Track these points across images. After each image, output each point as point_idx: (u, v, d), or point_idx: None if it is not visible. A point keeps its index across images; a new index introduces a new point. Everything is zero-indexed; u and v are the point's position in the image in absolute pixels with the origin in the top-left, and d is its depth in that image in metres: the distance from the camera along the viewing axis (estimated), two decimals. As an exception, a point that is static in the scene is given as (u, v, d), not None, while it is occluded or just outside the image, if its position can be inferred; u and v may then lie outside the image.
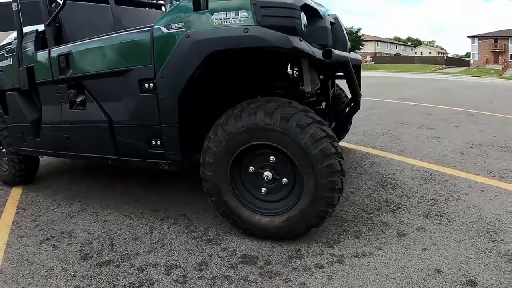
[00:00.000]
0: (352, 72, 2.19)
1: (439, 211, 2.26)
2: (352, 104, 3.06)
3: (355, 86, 2.32)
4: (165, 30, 1.93)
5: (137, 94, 2.11)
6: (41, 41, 2.67)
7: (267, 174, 1.94)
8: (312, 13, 1.95)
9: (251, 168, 1.98)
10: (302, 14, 1.82)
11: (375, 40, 58.71)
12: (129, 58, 2.12)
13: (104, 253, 2.11)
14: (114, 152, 2.36)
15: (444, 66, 42.82)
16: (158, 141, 2.13)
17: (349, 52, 2.76)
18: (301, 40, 1.75)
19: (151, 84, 2.05)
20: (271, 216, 1.96)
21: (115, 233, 2.33)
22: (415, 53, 64.00)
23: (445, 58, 51.86)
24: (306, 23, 1.87)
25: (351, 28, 48.12)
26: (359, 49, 48.00)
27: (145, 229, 2.34)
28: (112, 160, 2.41)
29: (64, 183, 3.36)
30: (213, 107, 2.19)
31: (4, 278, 1.94)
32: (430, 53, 65.03)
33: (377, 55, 55.57)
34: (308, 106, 2.39)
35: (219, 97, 2.28)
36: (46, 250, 2.21)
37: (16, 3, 2.78)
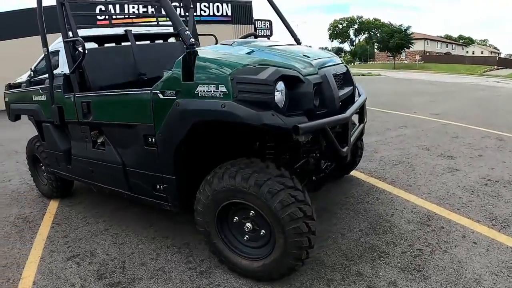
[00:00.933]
0: (330, 137, 2.13)
1: (419, 265, 2.37)
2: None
3: (336, 148, 2.22)
4: (161, 96, 2.21)
5: (143, 146, 2.44)
6: (68, 85, 2.98)
7: (248, 225, 2.20)
8: (294, 80, 2.05)
9: (235, 218, 2.24)
10: (280, 84, 1.96)
11: (425, 39, 56.01)
12: (135, 115, 2.45)
13: (115, 274, 2.48)
14: (128, 189, 2.72)
15: (495, 67, 39.95)
16: (161, 186, 2.45)
17: (357, 94, 2.89)
18: (273, 115, 1.88)
19: (153, 140, 2.36)
20: (250, 260, 2.23)
21: (128, 256, 2.70)
22: (466, 52, 60.24)
23: (497, 58, 48.28)
24: (283, 91, 1.99)
25: (400, 25, 46.31)
26: (408, 47, 46.12)
27: (152, 255, 2.69)
28: (127, 195, 2.78)
29: (93, 201, 3.80)
30: (208, 162, 2.42)
31: (35, 291, 2.36)
32: (482, 52, 60.90)
33: (427, 54, 53.00)
34: (306, 152, 2.58)
35: (212, 153, 2.51)
36: (71, 267, 2.62)
37: (45, 48, 3.12)
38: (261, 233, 2.17)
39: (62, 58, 8.69)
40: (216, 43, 3.64)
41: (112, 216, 3.41)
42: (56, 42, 8.41)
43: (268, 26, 20.06)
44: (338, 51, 75.84)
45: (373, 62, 62.73)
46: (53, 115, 3.15)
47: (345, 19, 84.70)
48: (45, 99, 3.27)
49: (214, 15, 16.86)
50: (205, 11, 16.74)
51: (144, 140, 2.42)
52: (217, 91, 1.97)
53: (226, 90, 1.94)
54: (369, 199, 3.45)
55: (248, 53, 2.28)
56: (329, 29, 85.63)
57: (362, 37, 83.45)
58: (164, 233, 2.99)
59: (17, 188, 4.45)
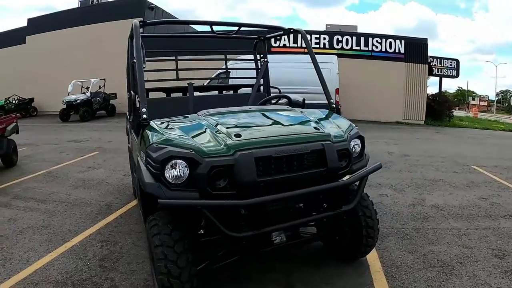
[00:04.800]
0: (208, 217, 2.18)
1: None
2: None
3: (219, 229, 2.25)
4: None
5: None
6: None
7: None
8: (192, 161, 2.21)
9: None
10: (177, 162, 2.18)
11: None
12: None
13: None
14: None
15: None
16: None
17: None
18: (158, 186, 2.20)
19: None
20: None
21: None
22: None
23: None
24: (181, 168, 2.19)
25: None
26: None
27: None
28: None
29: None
30: None
31: None
32: None
33: None
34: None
35: None
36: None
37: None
38: None
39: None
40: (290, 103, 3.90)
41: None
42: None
43: (455, 66, 17.93)
44: None
45: None
46: None
47: None
48: None
49: (386, 51, 16.33)
50: (376, 47, 16.43)
51: None
52: (143, 157, 2.42)
53: (144, 159, 2.37)
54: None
55: (187, 128, 2.57)
56: None
57: None
58: None
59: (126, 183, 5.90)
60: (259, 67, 4.65)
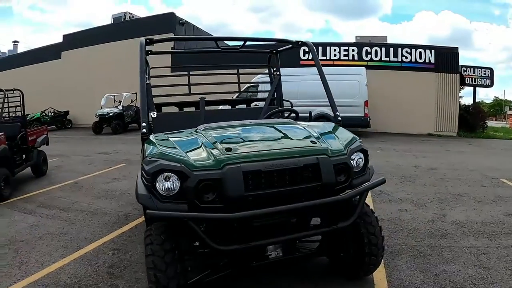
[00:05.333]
0: (194, 229, 2.22)
1: None
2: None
3: (206, 243, 2.28)
4: None
5: None
6: None
7: None
8: (182, 174, 2.26)
9: None
10: (169, 175, 2.24)
11: None
12: None
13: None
14: None
15: None
16: None
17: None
18: (150, 198, 2.28)
19: None
20: None
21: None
22: None
23: None
24: (173, 181, 2.25)
25: None
26: None
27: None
28: None
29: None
30: None
31: None
32: None
33: None
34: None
35: None
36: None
37: None
38: None
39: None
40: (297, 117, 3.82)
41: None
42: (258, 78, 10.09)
43: (489, 75, 17.20)
44: None
45: None
46: None
47: None
48: None
49: (416, 61, 15.92)
50: (406, 57, 16.06)
51: None
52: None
53: (142, 171, 2.46)
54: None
55: (183, 142, 2.64)
56: None
57: None
58: None
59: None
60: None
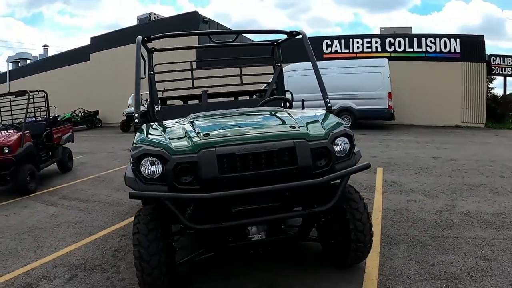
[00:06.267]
0: (170, 208, 2.37)
1: None
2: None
3: (180, 221, 2.45)
4: None
5: None
6: None
7: None
8: (162, 158, 2.40)
9: None
10: (152, 159, 2.41)
11: None
12: None
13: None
14: None
15: None
16: None
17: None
18: (135, 180, 2.45)
19: None
20: None
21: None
22: None
23: None
24: (157, 164, 2.40)
25: None
26: None
27: None
28: None
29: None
30: None
31: None
32: None
33: None
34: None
35: None
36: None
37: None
38: None
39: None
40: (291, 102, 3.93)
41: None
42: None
43: (518, 63, 16.31)
44: None
45: None
46: None
47: None
48: None
49: (441, 51, 15.32)
50: (431, 47, 15.49)
51: None
52: None
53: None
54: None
55: (170, 130, 2.79)
56: None
57: None
58: None
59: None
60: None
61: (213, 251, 2.74)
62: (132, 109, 17.05)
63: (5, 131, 6.77)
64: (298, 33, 3.77)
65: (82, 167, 8.69)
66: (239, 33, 3.74)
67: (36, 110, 8.35)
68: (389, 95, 13.06)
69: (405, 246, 3.57)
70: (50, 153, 7.68)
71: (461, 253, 3.39)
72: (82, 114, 21.14)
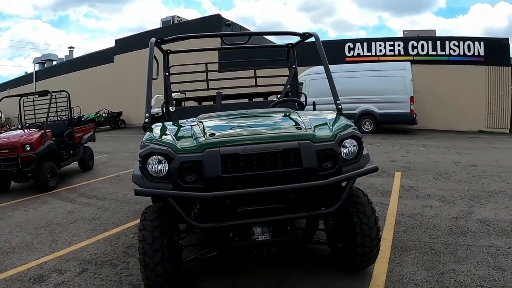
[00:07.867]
0: (173, 205, 2.42)
1: None
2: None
3: (184, 219, 2.49)
4: None
5: None
6: None
7: None
8: (168, 157, 2.45)
9: None
10: (158, 158, 2.45)
11: None
12: None
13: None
14: None
15: None
16: None
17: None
18: (141, 178, 2.49)
19: None
20: None
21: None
22: None
23: None
24: (163, 163, 2.45)
25: None
26: None
27: None
28: None
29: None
30: None
31: None
32: None
33: None
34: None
35: None
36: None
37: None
38: None
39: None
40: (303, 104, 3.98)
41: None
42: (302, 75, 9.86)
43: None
44: None
45: None
46: None
47: None
48: None
49: (464, 54, 14.92)
50: (454, 51, 15.11)
51: None
52: None
53: None
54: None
55: (178, 130, 2.84)
56: None
57: None
58: None
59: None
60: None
61: (217, 250, 2.77)
62: (155, 110, 17.54)
63: (28, 130, 7.06)
64: (311, 35, 3.76)
65: (102, 166, 8.93)
66: (251, 34, 3.78)
67: (58, 110, 8.64)
68: (411, 99, 12.79)
69: (416, 252, 3.49)
70: (71, 151, 7.94)
71: (474, 261, 3.28)
72: (106, 114, 21.71)
